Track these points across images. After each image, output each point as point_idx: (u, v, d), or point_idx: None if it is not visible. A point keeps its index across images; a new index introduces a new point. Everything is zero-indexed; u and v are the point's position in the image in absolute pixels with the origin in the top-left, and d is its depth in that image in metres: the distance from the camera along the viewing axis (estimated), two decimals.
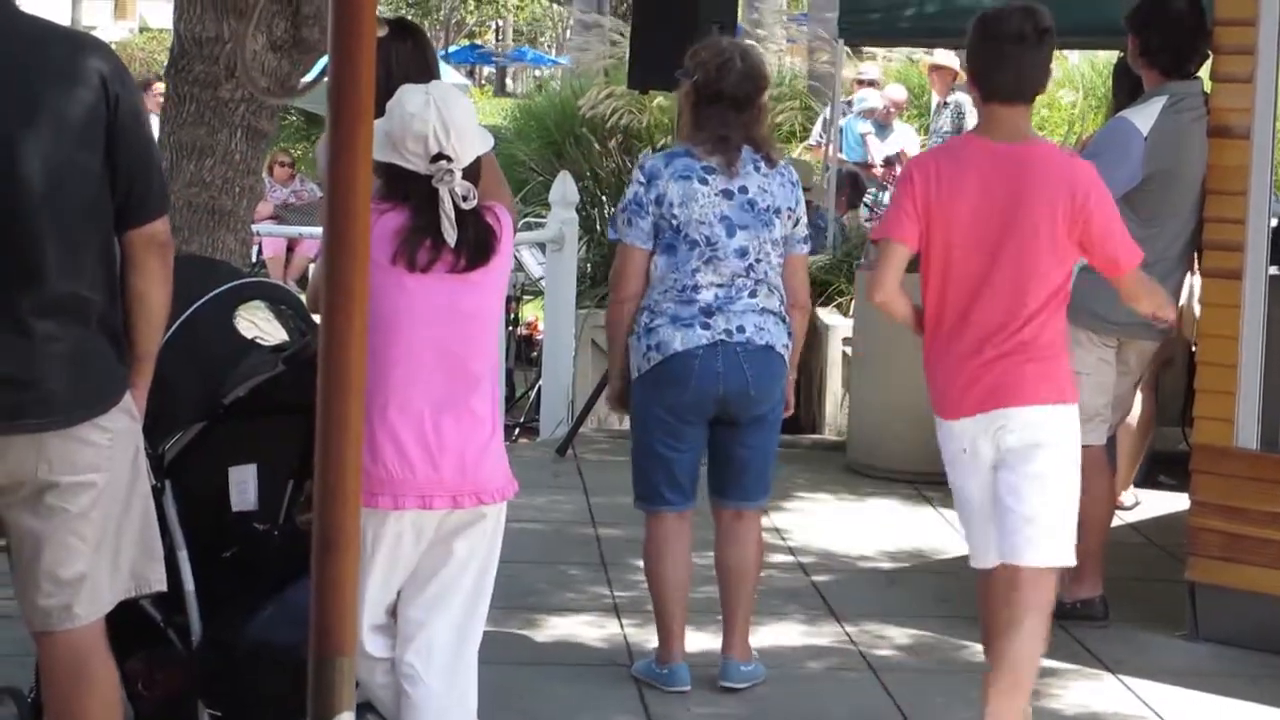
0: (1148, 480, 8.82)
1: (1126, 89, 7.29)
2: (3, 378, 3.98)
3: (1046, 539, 5.10)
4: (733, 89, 5.80)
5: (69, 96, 4.02)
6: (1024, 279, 5.09)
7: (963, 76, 12.53)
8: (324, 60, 7.19)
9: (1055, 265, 5.12)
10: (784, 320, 5.87)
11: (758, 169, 5.83)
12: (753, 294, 5.80)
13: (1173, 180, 6.57)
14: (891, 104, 16.30)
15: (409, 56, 4.94)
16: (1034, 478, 5.09)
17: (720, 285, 5.77)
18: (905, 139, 16.30)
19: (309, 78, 6.64)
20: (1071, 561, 5.25)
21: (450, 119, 4.44)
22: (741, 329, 5.77)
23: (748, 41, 8.34)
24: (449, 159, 4.44)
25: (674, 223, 5.76)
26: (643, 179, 5.83)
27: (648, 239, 5.81)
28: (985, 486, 5.15)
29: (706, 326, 5.75)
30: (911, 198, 5.15)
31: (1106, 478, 6.85)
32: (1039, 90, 5.26)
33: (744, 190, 5.80)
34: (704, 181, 5.78)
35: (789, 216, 5.87)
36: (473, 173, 4.52)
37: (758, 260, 5.80)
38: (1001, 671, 5.15)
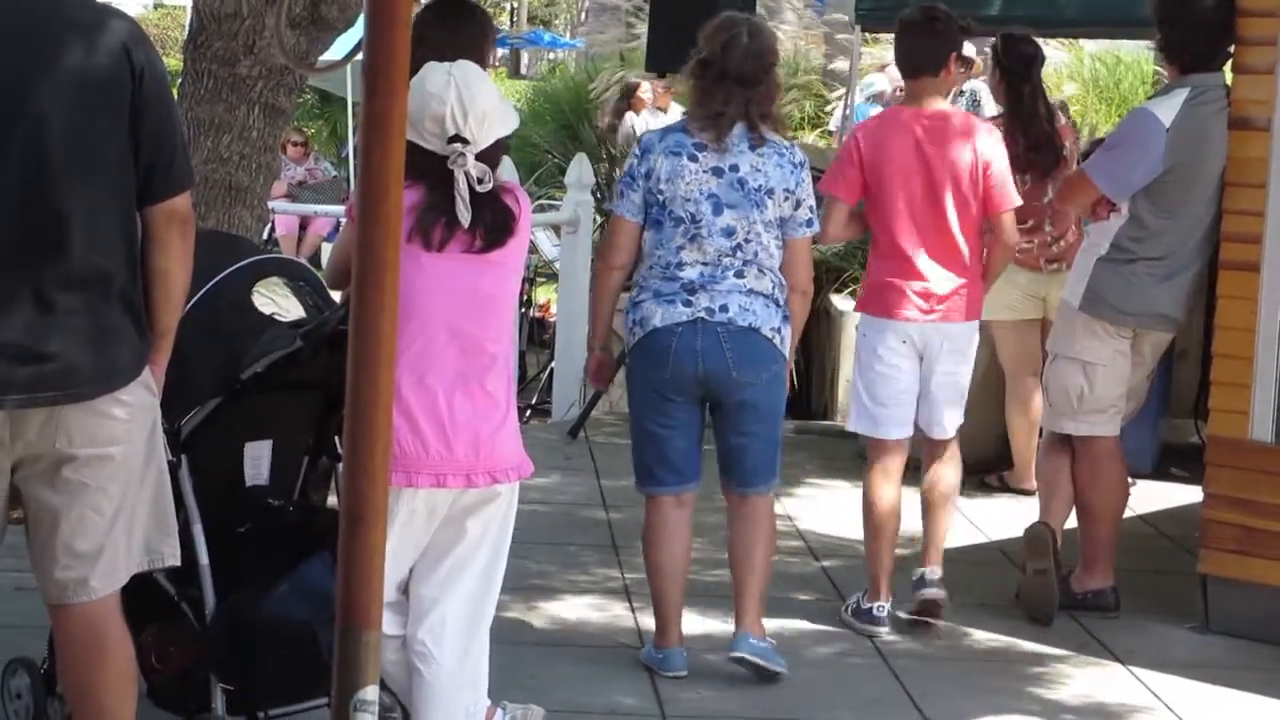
0: (1159, 472, 8.82)
1: (1020, 57, 7.76)
2: (23, 350, 3.97)
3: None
4: (738, 67, 5.74)
5: (93, 65, 4.00)
6: None
7: (980, 65, 12.52)
8: (349, 38, 7.14)
9: None
10: (776, 304, 5.78)
11: (752, 148, 5.75)
12: (739, 274, 5.73)
13: (1193, 173, 6.54)
14: (898, 88, 16.23)
15: (448, 37, 4.93)
16: None
17: (705, 264, 5.72)
18: None
19: (335, 56, 6.64)
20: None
21: (470, 101, 4.44)
22: (725, 308, 5.71)
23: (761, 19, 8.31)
24: (465, 141, 4.44)
25: (660, 198, 5.73)
26: (639, 152, 5.83)
27: (638, 212, 5.78)
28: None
29: (688, 304, 5.71)
30: None
31: (1119, 468, 6.84)
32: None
33: (735, 169, 5.73)
34: (693, 158, 5.73)
35: (785, 198, 5.76)
36: (491, 155, 4.52)
37: (746, 240, 5.72)
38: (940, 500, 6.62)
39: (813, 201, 5.90)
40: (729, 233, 5.71)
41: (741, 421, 5.83)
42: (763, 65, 5.79)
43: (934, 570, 6.55)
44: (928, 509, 6.61)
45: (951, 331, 6.43)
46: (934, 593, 6.51)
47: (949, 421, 6.54)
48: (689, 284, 5.72)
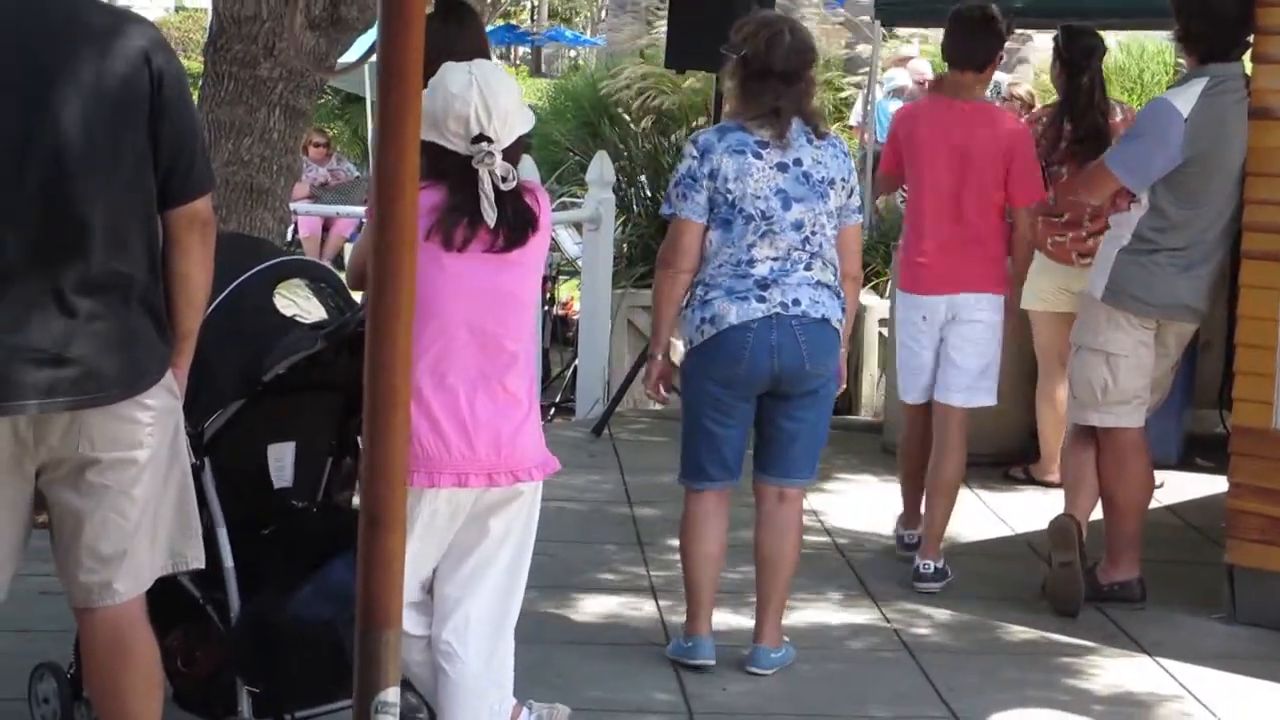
0: (1185, 462, 8.80)
1: (1081, 49, 7.80)
2: (45, 355, 3.98)
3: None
4: (782, 63, 5.77)
5: (112, 70, 4.00)
6: None
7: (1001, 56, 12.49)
8: (365, 39, 7.14)
9: None
10: (838, 294, 5.86)
11: (809, 141, 5.82)
12: (808, 267, 5.79)
13: (1213, 163, 6.52)
14: (918, 81, 16.22)
15: (456, 36, 4.93)
16: None
17: (776, 259, 5.76)
18: None
19: (352, 58, 6.64)
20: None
21: (493, 100, 4.43)
22: (797, 301, 5.75)
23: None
24: (490, 140, 4.43)
25: (729, 197, 5.75)
26: (696, 153, 5.81)
27: (703, 213, 5.79)
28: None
29: (762, 299, 5.74)
30: None
31: (1143, 460, 6.83)
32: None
33: (798, 163, 5.79)
34: (758, 155, 5.77)
35: (842, 187, 5.86)
36: (513, 153, 4.51)
37: (813, 233, 5.79)
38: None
39: (858, 189, 6.05)
40: (798, 226, 5.77)
41: (799, 408, 5.89)
42: (804, 62, 5.85)
43: (928, 564, 6.92)
44: (928, 500, 7.05)
45: (964, 302, 6.89)
46: (928, 586, 6.89)
47: (962, 386, 6.96)
48: (761, 280, 5.76)
